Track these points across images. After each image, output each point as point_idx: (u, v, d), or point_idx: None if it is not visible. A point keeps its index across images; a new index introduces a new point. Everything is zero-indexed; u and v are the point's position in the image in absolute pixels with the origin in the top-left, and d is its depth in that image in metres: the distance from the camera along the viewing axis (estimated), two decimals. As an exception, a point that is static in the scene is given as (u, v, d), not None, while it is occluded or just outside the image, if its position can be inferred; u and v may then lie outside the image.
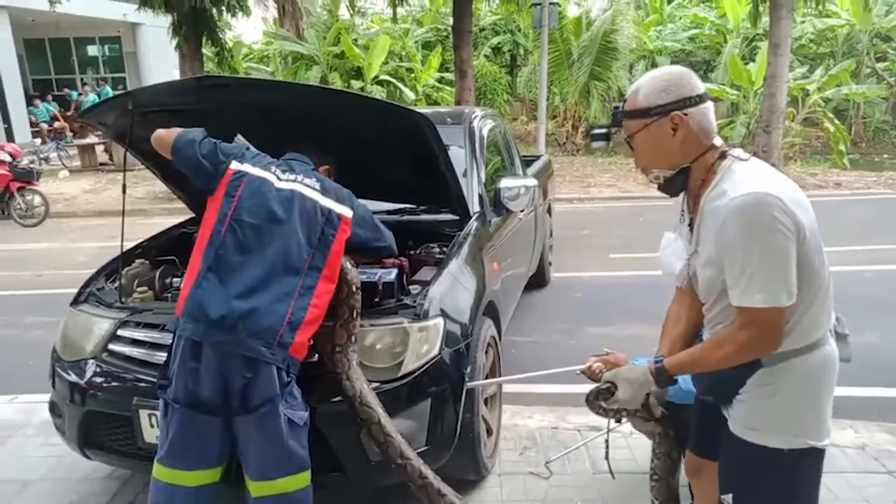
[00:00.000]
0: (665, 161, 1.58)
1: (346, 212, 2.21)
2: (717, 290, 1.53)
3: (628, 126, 1.58)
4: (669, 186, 1.63)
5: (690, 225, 1.64)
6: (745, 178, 1.46)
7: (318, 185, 2.20)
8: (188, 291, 2.03)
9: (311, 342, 2.10)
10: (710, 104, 1.54)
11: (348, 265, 2.23)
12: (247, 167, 2.17)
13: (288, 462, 2.03)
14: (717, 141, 1.56)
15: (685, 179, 1.59)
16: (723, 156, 1.54)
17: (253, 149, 2.30)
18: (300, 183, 2.17)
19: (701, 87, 1.53)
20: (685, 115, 1.50)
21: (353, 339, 2.19)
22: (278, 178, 2.16)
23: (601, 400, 1.71)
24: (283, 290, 2.01)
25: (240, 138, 2.35)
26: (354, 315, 2.20)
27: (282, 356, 1.98)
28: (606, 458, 2.25)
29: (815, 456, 1.55)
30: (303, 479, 2.07)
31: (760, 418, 1.55)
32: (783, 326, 1.45)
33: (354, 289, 2.20)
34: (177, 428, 2.02)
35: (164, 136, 2.24)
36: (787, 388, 1.51)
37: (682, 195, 1.69)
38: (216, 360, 1.96)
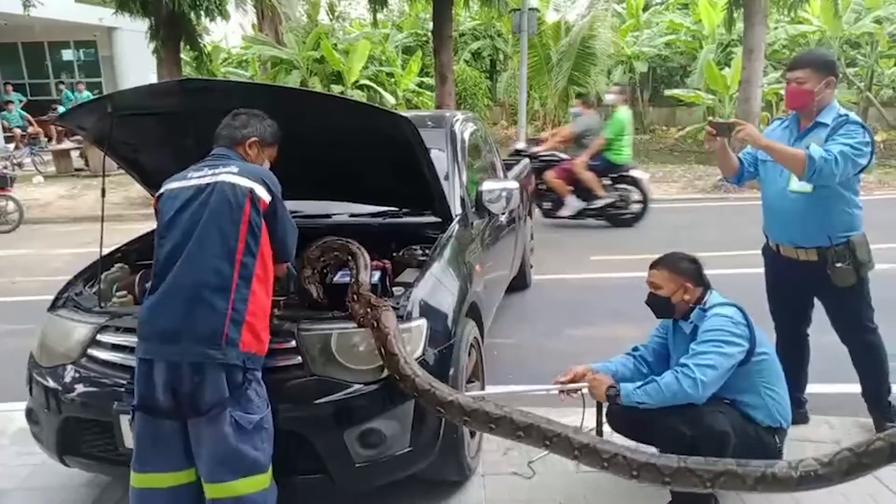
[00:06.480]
0: None
1: (265, 196, 2.09)
2: None
3: None
4: None
5: None
6: None
7: (235, 169, 2.12)
8: (140, 313, 2.10)
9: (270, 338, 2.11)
10: None
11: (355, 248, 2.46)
12: (166, 184, 2.19)
13: (239, 464, 2.01)
14: None
15: None
16: None
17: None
18: (212, 175, 2.11)
19: None
20: None
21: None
22: (188, 179, 2.13)
23: None
24: (218, 285, 1.99)
25: None
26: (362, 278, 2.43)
27: (233, 353, 1.98)
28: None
29: None
30: (258, 482, 2.04)
31: None
32: None
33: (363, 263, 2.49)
34: (139, 432, 2.06)
35: None
36: None
37: None
38: (165, 369, 1.99)
